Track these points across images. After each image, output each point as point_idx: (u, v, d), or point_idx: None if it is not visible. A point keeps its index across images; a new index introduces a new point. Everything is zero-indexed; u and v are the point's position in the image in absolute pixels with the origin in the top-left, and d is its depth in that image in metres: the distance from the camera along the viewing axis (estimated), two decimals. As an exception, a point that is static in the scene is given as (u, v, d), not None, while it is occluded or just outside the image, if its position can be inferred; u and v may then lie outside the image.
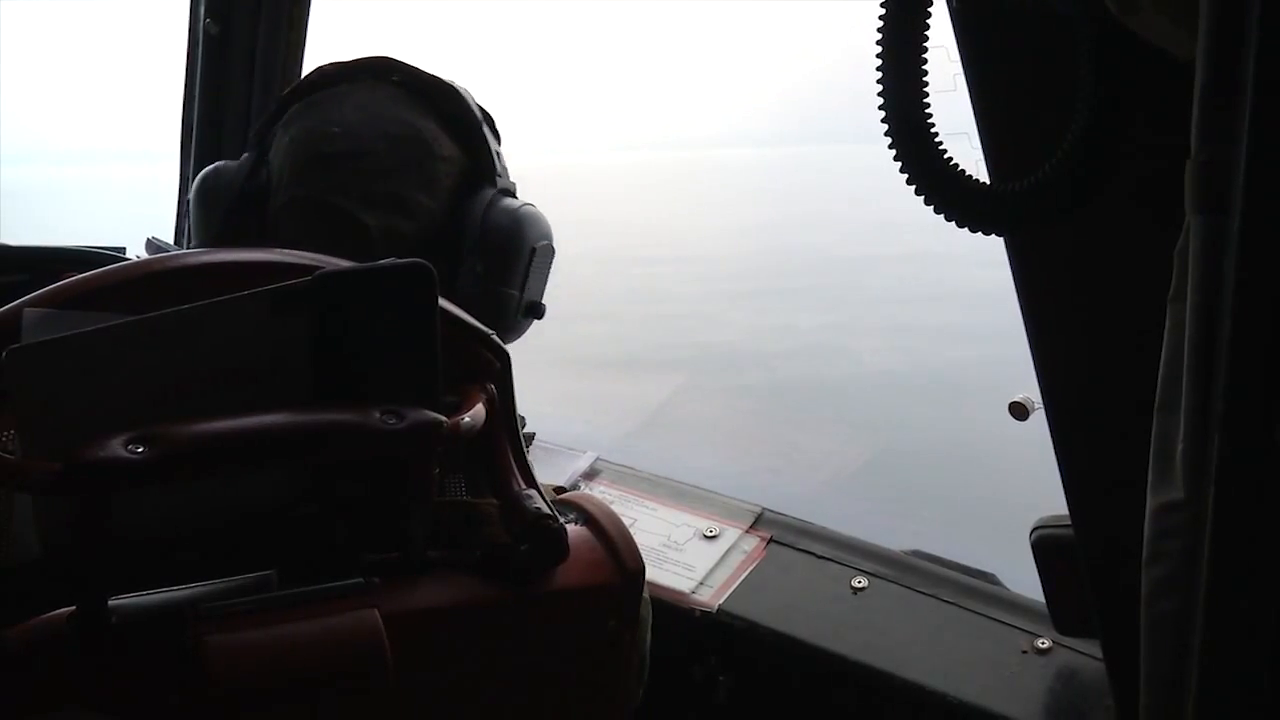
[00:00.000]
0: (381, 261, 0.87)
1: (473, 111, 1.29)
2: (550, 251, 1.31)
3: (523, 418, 1.36)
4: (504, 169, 1.31)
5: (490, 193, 1.26)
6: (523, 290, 1.27)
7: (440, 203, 1.24)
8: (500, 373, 0.98)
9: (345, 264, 0.90)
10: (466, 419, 0.88)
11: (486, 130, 1.31)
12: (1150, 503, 0.82)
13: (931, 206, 1.01)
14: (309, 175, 1.22)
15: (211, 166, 1.32)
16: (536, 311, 1.31)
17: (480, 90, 1.35)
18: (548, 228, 1.30)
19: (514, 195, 1.30)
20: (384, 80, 1.29)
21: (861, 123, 1.02)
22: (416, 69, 1.30)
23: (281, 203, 1.23)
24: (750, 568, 1.84)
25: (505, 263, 1.25)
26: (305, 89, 1.29)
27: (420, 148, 1.24)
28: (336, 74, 1.29)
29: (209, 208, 1.29)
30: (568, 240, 1.54)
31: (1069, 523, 1.30)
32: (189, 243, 2.39)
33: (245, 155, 1.29)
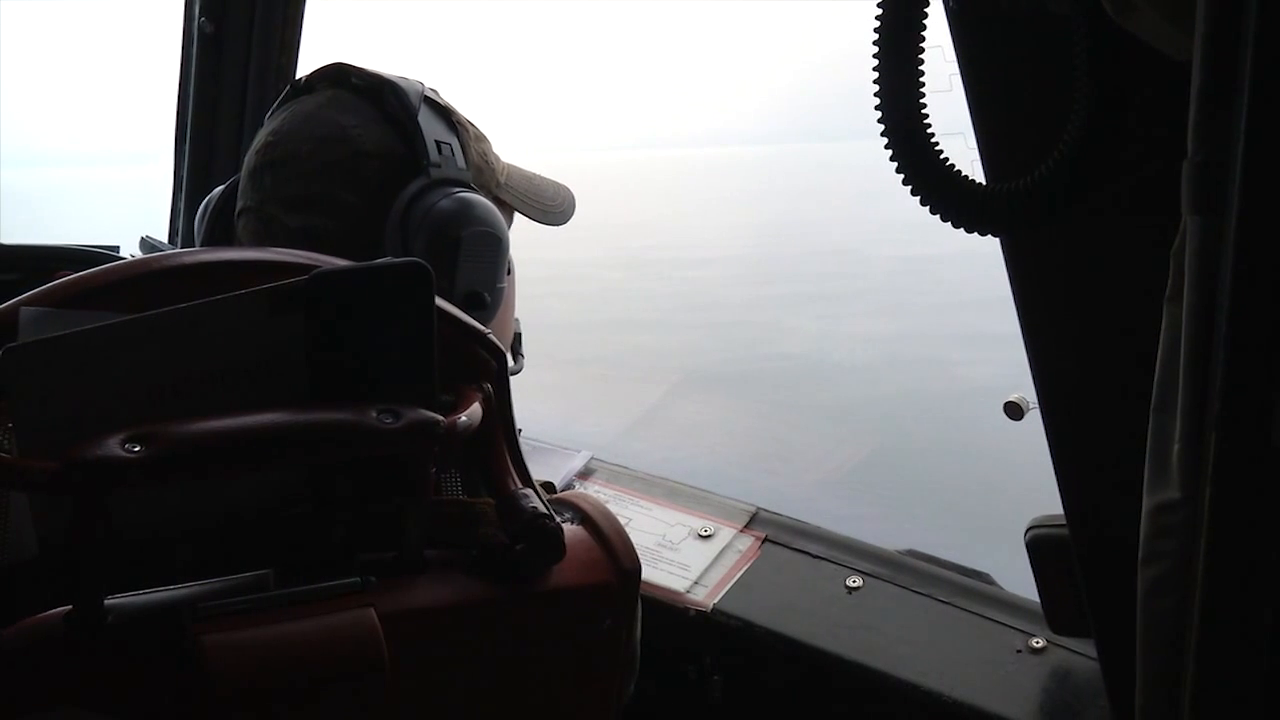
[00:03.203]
0: (378, 260, 0.87)
1: (409, 103, 1.27)
2: (489, 238, 1.26)
3: None
4: (448, 159, 1.27)
5: (420, 183, 1.25)
6: (454, 280, 1.24)
7: (366, 199, 1.24)
8: (496, 372, 0.98)
9: (342, 263, 0.90)
10: (463, 418, 0.88)
11: (432, 121, 1.29)
12: (1146, 502, 0.82)
13: (927, 207, 1.02)
14: (250, 187, 1.28)
15: (214, 191, 1.39)
16: (479, 302, 1.26)
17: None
18: (485, 214, 1.26)
19: (462, 184, 1.27)
20: (340, 85, 1.30)
21: (859, 119, 1.03)
22: (369, 71, 1.31)
23: (236, 214, 1.30)
24: (745, 567, 1.84)
25: (430, 252, 1.22)
26: (278, 105, 1.33)
27: (343, 146, 1.24)
28: (300, 86, 1.32)
29: (198, 224, 1.37)
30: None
31: (1064, 522, 1.31)
32: (182, 242, 2.41)
33: (235, 175, 1.34)
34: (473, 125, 1.37)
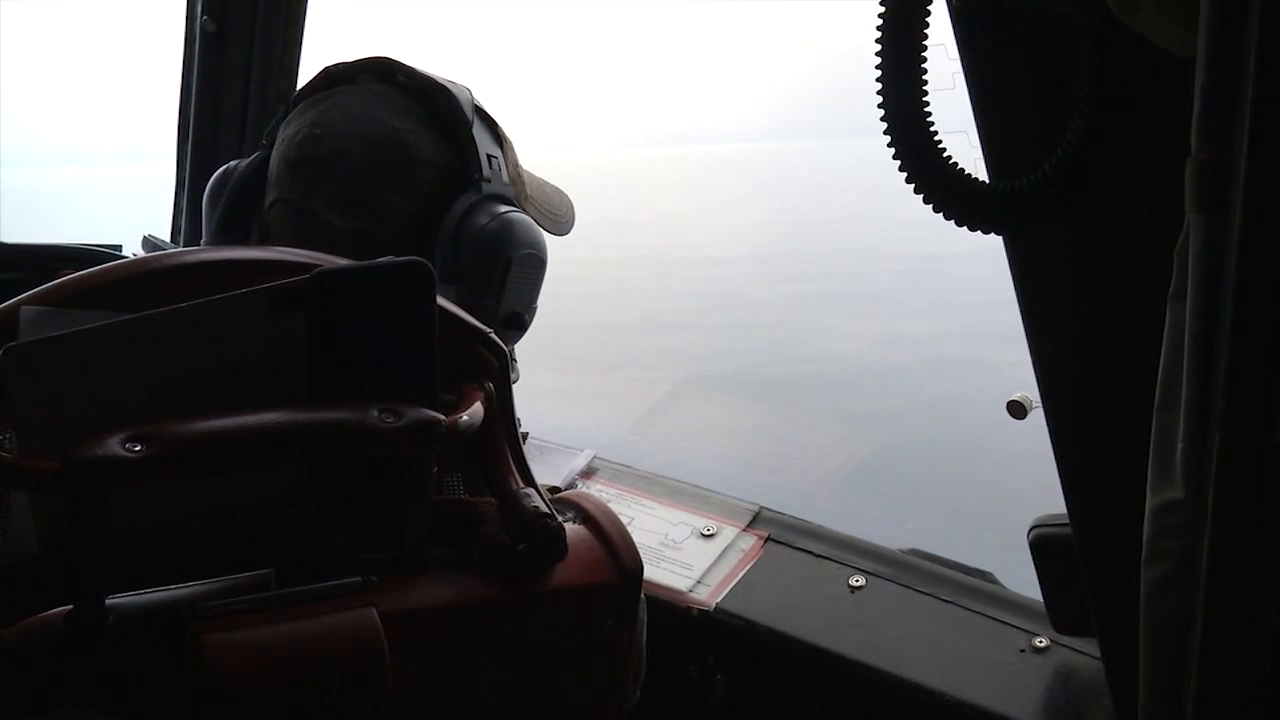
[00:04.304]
0: (379, 260, 0.87)
1: (463, 113, 1.26)
2: (535, 260, 1.27)
3: (518, 418, 1.35)
4: (496, 174, 1.27)
5: (471, 198, 1.24)
6: (499, 300, 1.24)
7: (416, 207, 1.23)
8: (498, 371, 0.97)
9: (343, 262, 0.89)
10: (464, 417, 0.88)
11: (483, 133, 1.28)
12: (1149, 502, 0.82)
13: (930, 205, 1.01)
14: (290, 178, 1.24)
15: (228, 164, 1.34)
16: (518, 323, 1.27)
17: (476, 88, 1.33)
18: (533, 236, 1.26)
19: (506, 200, 1.27)
20: (385, 82, 1.27)
21: (865, 115, 1.02)
22: (417, 70, 1.29)
23: (269, 203, 1.26)
24: (748, 566, 1.84)
25: (479, 271, 1.22)
26: (310, 89, 1.29)
27: (398, 151, 1.23)
28: (340, 75, 1.29)
29: (214, 203, 1.31)
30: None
31: (1067, 521, 1.30)
32: (184, 241, 2.41)
33: (258, 153, 1.31)
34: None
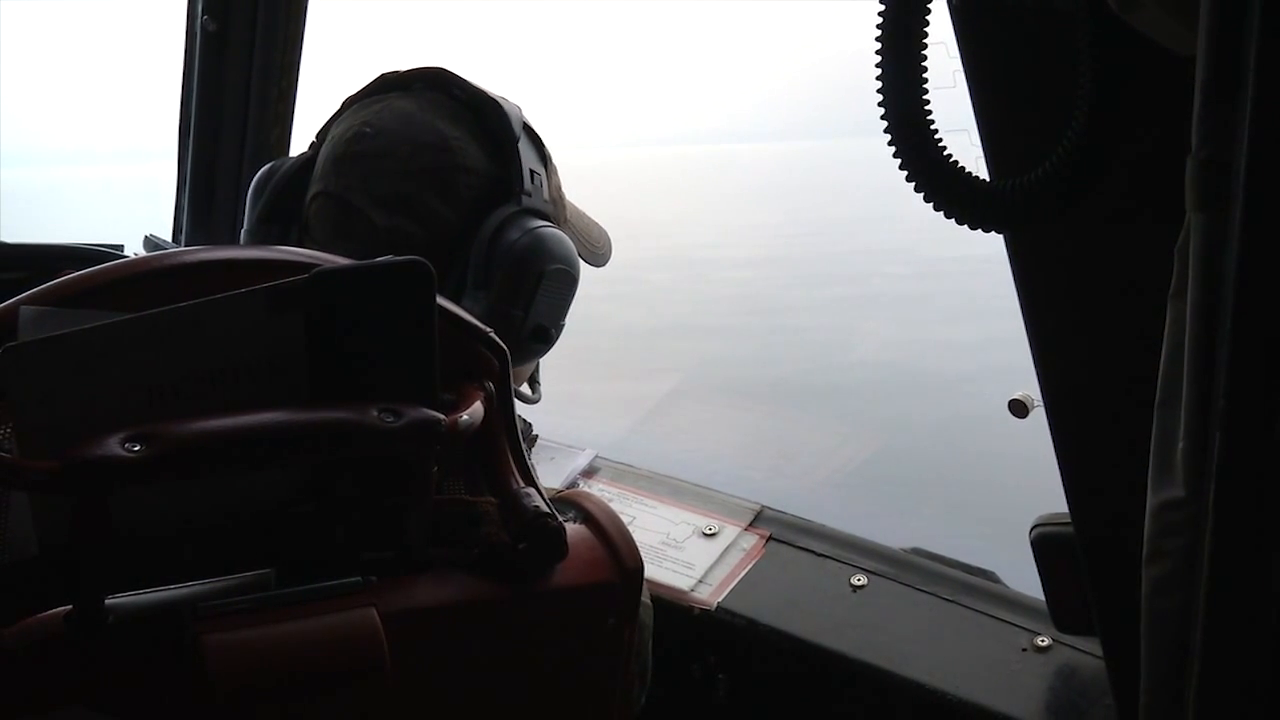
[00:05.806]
0: (379, 259, 0.87)
1: (511, 128, 1.29)
2: (567, 277, 1.29)
3: (528, 422, 1.35)
4: (537, 190, 1.29)
5: (510, 209, 1.26)
6: (528, 312, 1.26)
7: (457, 213, 1.25)
8: (499, 371, 0.97)
9: (343, 261, 0.89)
10: (465, 417, 0.87)
11: (528, 149, 1.31)
12: (1150, 501, 0.82)
13: (931, 204, 1.01)
14: (334, 171, 1.27)
15: (274, 161, 1.38)
16: (544, 337, 1.29)
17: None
18: (565, 251, 1.28)
19: (544, 216, 1.29)
20: (439, 91, 1.31)
21: (869, 114, 1.02)
22: (471, 83, 1.32)
23: (311, 195, 1.30)
24: (749, 565, 1.83)
25: (511, 281, 1.24)
26: (364, 92, 1.33)
27: (444, 156, 1.25)
28: (395, 81, 1.33)
29: (257, 197, 1.35)
30: (619, 245, 1.52)
31: (1069, 520, 1.30)
32: (186, 240, 2.41)
33: (307, 150, 1.35)
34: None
